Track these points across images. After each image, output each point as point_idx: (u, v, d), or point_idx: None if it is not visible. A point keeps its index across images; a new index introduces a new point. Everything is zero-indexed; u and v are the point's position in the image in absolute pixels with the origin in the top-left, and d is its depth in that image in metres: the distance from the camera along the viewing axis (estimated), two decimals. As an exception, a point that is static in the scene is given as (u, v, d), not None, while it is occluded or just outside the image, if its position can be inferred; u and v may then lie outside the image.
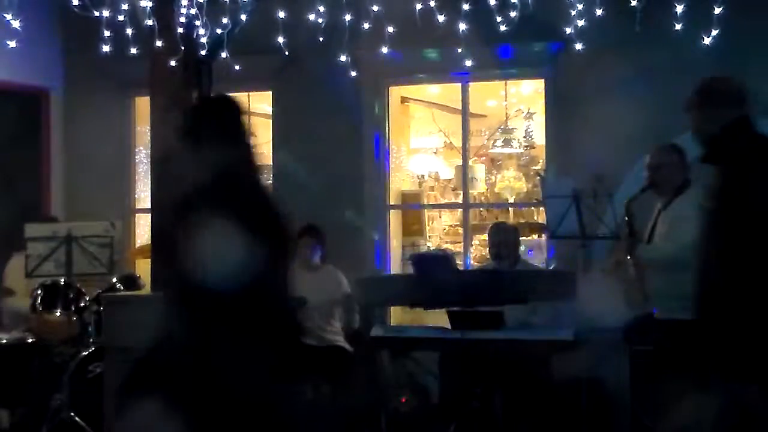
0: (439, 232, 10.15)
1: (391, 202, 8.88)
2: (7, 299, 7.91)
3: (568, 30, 5.55)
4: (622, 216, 6.02)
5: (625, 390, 6.34)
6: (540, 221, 9.37)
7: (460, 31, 5.57)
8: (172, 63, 5.84)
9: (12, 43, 6.11)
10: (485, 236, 7.75)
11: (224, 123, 3.96)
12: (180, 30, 5.78)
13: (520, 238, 7.44)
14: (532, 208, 9.89)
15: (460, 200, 9.31)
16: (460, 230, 9.29)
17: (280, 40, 5.81)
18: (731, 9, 5.34)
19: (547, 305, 6.54)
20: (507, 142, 10.19)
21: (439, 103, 10.05)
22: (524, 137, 10.15)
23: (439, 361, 6.72)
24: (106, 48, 5.98)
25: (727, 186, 4.45)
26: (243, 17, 5.82)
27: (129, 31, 5.93)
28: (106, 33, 5.89)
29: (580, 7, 5.50)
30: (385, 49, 5.67)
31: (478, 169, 9.85)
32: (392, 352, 7.23)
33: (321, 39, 5.72)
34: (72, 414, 6.58)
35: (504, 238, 7.07)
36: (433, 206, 10.05)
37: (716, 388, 4.47)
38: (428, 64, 8.14)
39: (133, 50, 5.97)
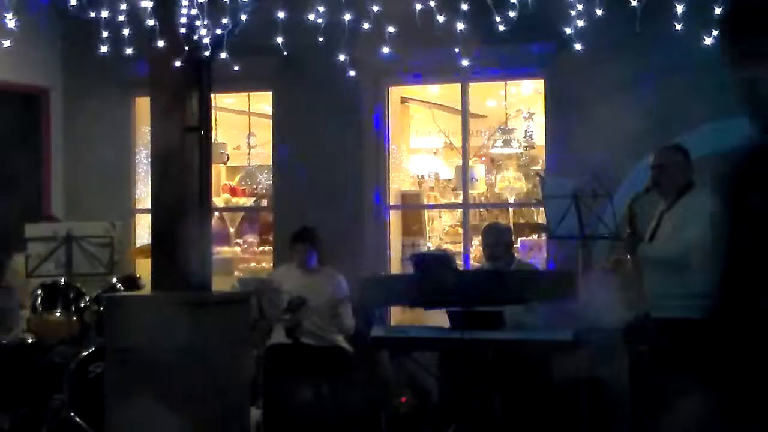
0: (439, 232, 10.15)
1: (391, 202, 8.89)
2: None
3: (568, 30, 5.54)
4: (623, 216, 6.03)
5: (625, 390, 6.35)
6: (540, 221, 9.37)
7: (460, 31, 5.56)
8: (173, 63, 5.84)
9: (6, 43, 6.11)
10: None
11: None
12: (181, 30, 5.78)
13: (519, 239, 7.45)
14: (532, 208, 9.89)
15: (460, 200, 9.32)
16: (460, 230, 9.29)
17: (280, 40, 5.81)
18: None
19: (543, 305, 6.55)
20: (507, 143, 10.18)
21: (439, 104, 10.05)
22: (524, 137, 10.15)
23: (439, 361, 6.72)
24: (106, 48, 5.98)
25: None
26: (243, 17, 5.81)
27: (129, 31, 5.93)
28: (107, 33, 5.89)
29: (579, 7, 5.50)
30: (385, 49, 5.67)
31: (478, 170, 9.85)
32: (392, 352, 7.23)
33: (321, 39, 5.72)
34: (72, 414, 6.58)
35: (498, 239, 7.05)
36: (433, 206, 10.05)
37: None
38: (428, 64, 8.14)
39: (134, 50, 5.97)
